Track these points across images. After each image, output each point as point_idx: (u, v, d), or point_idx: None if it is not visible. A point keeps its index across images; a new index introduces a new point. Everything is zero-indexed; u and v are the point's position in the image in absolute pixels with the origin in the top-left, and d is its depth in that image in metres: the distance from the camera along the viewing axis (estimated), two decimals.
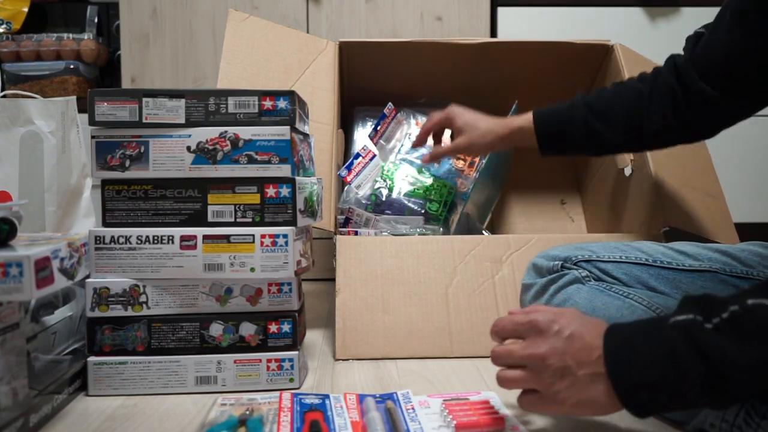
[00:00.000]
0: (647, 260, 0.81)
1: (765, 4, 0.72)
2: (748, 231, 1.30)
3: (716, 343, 0.49)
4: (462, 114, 1.01)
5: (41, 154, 1.09)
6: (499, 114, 1.00)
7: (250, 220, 0.78)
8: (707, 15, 0.88)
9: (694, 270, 0.79)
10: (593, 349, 0.55)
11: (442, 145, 1.06)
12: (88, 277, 0.76)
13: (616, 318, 0.72)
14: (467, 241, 1.00)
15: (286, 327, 0.78)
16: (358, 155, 1.13)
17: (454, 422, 0.64)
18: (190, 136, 0.77)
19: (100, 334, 0.77)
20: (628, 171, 1.21)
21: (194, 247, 0.76)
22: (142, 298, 0.77)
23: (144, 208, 0.78)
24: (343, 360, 0.91)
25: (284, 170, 0.77)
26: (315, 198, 0.85)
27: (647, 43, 1.62)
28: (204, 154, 0.77)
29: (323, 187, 0.98)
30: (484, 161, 1.15)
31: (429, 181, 1.17)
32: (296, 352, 0.78)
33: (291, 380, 0.78)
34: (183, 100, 0.77)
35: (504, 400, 0.72)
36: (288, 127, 0.77)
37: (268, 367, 0.78)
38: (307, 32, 1.59)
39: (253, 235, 0.76)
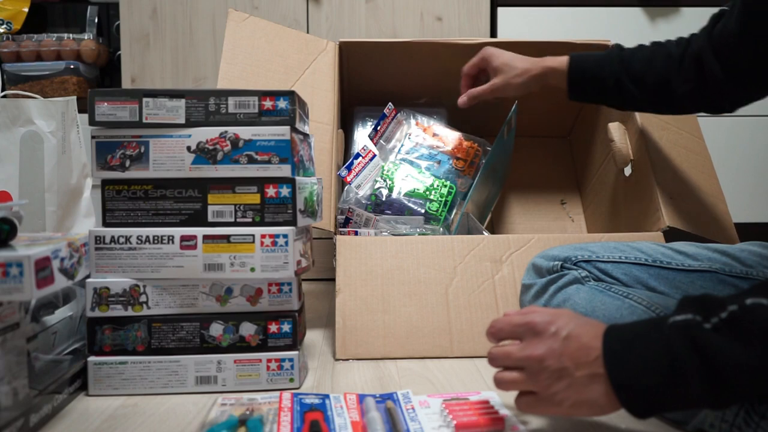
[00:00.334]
0: (647, 260, 0.81)
1: None
2: (748, 231, 1.31)
3: (715, 343, 0.49)
4: (499, 55, 1.05)
5: (41, 154, 1.10)
6: (499, 113, 1.00)
7: (250, 220, 0.78)
8: (707, 15, 0.88)
9: (694, 270, 0.80)
10: (591, 350, 0.55)
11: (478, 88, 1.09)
12: (88, 277, 0.76)
13: (616, 318, 0.72)
14: (467, 241, 1.00)
15: (286, 327, 0.78)
16: (358, 155, 1.13)
17: (454, 422, 0.64)
18: (190, 136, 0.77)
19: (101, 334, 0.77)
20: (628, 171, 1.21)
21: (194, 247, 0.76)
22: (142, 298, 0.77)
23: (144, 208, 0.78)
24: (343, 360, 0.91)
25: (284, 170, 0.77)
26: (315, 198, 0.85)
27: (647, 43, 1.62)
28: (204, 154, 0.77)
29: (323, 187, 0.98)
30: (483, 161, 1.15)
31: (429, 180, 1.17)
32: (296, 352, 0.78)
33: (291, 380, 0.78)
34: (183, 100, 0.77)
35: (504, 400, 0.72)
36: (288, 127, 0.77)
37: (268, 367, 0.78)
38: (307, 32, 1.59)
39: (253, 235, 0.76)
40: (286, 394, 0.73)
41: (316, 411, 0.68)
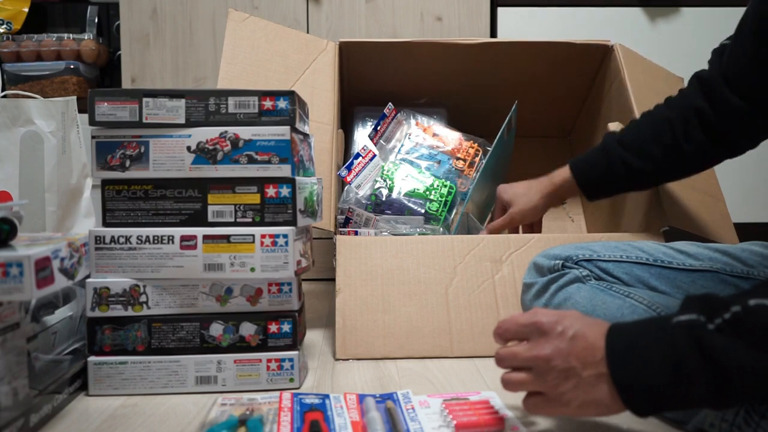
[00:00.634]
0: (648, 260, 0.81)
1: None
2: (748, 231, 1.31)
3: (720, 344, 0.49)
4: (509, 188, 1.07)
5: (41, 154, 1.10)
6: (499, 113, 1.00)
7: (250, 220, 0.78)
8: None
9: (695, 270, 0.80)
10: (597, 350, 0.55)
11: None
12: (88, 277, 0.76)
13: (617, 317, 0.72)
14: (467, 241, 1.00)
15: (286, 327, 0.78)
16: (358, 155, 1.13)
17: (454, 422, 0.64)
18: (190, 136, 0.77)
19: (101, 334, 0.77)
20: None
21: (194, 247, 0.76)
22: (142, 298, 0.77)
23: (144, 208, 0.78)
24: (343, 360, 0.91)
25: (284, 170, 0.77)
26: (315, 198, 0.85)
27: (647, 43, 1.62)
28: (204, 154, 0.77)
29: (323, 187, 0.98)
30: (483, 161, 1.15)
31: (429, 180, 1.17)
32: (296, 352, 0.78)
33: (291, 380, 0.78)
34: (183, 100, 0.77)
35: (504, 400, 0.72)
36: (288, 127, 0.77)
37: (268, 367, 0.78)
38: (307, 32, 1.59)
39: (254, 235, 0.76)
40: (286, 394, 0.73)
41: (316, 411, 0.68)
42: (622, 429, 0.66)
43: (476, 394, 0.74)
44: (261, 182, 0.77)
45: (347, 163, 1.12)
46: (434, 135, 1.25)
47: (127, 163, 0.77)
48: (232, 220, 0.78)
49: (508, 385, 0.59)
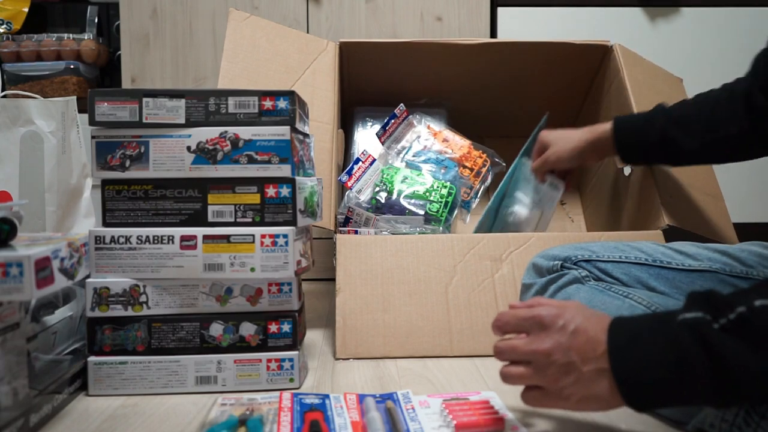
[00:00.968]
0: (647, 260, 0.81)
1: None
2: (748, 231, 1.31)
3: (725, 343, 0.49)
4: (549, 132, 1.09)
5: (41, 154, 1.10)
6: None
7: (250, 220, 0.78)
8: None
9: (694, 270, 0.80)
10: (598, 344, 0.54)
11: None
12: (88, 277, 0.76)
13: None
14: (467, 240, 1.00)
15: (286, 327, 0.78)
16: (358, 160, 1.13)
17: (454, 422, 0.64)
18: (190, 136, 0.77)
19: (101, 334, 0.77)
20: (627, 171, 1.21)
21: (194, 247, 0.76)
22: (142, 298, 0.77)
23: (144, 208, 0.78)
24: (343, 359, 0.91)
25: (284, 170, 0.77)
26: (315, 198, 0.85)
27: (647, 43, 1.63)
28: (204, 154, 0.77)
29: (323, 187, 0.98)
30: (490, 171, 1.19)
31: (429, 181, 1.17)
32: (296, 352, 0.78)
33: (291, 380, 0.78)
34: (183, 100, 0.77)
35: (504, 400, 0.72)
36: (288, 127, 0.77)
37: (268, 367, 0.78)
38: (307, 32, 1.59)
39: (253, 235, 0.76)
40: (286, 394, 0.73)
41: (316, 411, 0.68)
42: (622, 429, 0.66)
43: (476, 394, 0.74)
44: (261, 182, 0.77)
45: (347, 169, 1.12)
46: (444, 140, 1.25)
47: (127, 163, 0.77)
48: (232, 220, 0.78)
49: (507, 378, 0.59)
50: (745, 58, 0.85)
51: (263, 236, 0.76)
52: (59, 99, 1.11)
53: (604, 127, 1.00)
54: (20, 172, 1.09)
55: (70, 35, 1.70)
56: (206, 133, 0.77)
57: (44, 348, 0.75)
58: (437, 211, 1.13)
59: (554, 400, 0.57)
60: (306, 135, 0.87)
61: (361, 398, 0.72)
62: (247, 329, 0.78)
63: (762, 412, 0.56)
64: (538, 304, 0.59)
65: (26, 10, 1.72)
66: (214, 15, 1.61)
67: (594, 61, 1.32)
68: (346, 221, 1.12)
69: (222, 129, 0.77)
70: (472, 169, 1.23)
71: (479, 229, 1.12)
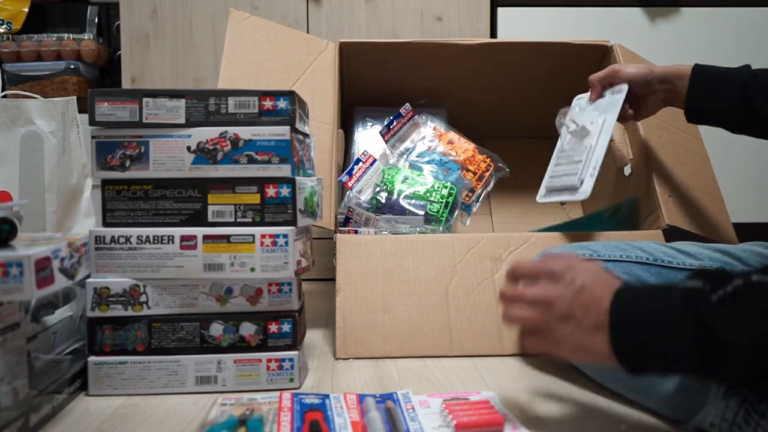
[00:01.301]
0: (648, 259, 0.81)
1: None
2: (748, 231, 1.30)
3: (716, 314, 0.50)
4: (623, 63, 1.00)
5: (42, 154, 1.10)
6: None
7: (250, 220, 0.78)
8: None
9: (695, 269, 0.80)
10: (601, 303, 0.56)
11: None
12: (88, 277, 0.76)
13: None
14: (467, 240, 1.00)
15: (286, 327, 0.78)
16: (358, 161, 1.13)
17: (454, 422, 0.64)
18: (190, 136, 0.77)
19: (101, 334, 0.77)
20: (627, 171, 1.21)
21: (194, 247, 0.76)
22: (143, 298, 0.77)
23: (144, 208, 0.78)
24: (343, 359, 0.91)
25: (284, 170, 0.77)
26: (315, 198, 0.85)
27: (647, 43, 1.63)
28: (204, 154, 0.77)
29: (323, 187, 0.98)
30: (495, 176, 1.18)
31: (430, 182, 1.17)
32: (296, 352, 0.78)
33: (291, 380, 0.78)
34: (183, 100, 0.77)
35: (504, 400, 0.72)
36: (288, 127, 0.77)
37: (268, 367, 0.78)
38: (307, 32, 1.59)
39: (253, 235, 0.76)
40: (286, 394, 0.73)
41: (316, 411, 0.68)
42: (622, 429, 0.66)
43: (476, 394, 0.74)
44: (261, 182, 0.77)
45: (348, 169, 1.12)
46: (449, 143, 1.25)
47: (127, 163, 0.77)
48: (232, 220, 0.78)
49: (508, 317, 0.61)
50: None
51: (263, 236, 0.76)
52: (59, 99, 1.11)
53: (682, 66, 0.93)
54: (20, 172, 1.09)
55: (70, 35, 1.70)
56: (206, 133, 0.77)
57: (44, 348, 0.75)
58: (437, 212, 1.13)
59: (549, 344, 0.59)
60: (306, 135, 0.87)
61: (361, 398, 0.72)
62: (247, 329, 0.78)
63: (762, 411, 0.56)
64: (553, 258, 0.62)
65: (26, 10, 1.72)
66: (214, 15, 1.61)
67: (594, 61, 1.32)
68: (346, 221, 1.11)
69: (222, 129, 0.77)
70: (475, 173, 1.23)
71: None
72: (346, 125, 1.35)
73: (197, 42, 1.62)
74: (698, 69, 0.92)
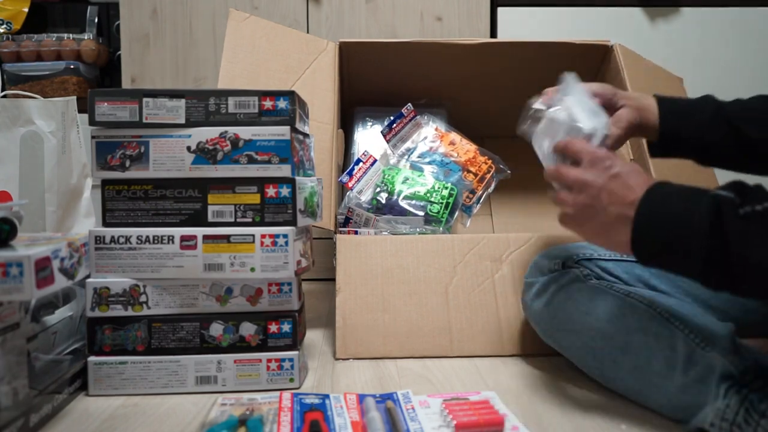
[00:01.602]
0: None
1: None
2: None
3: (738, 228, 0.51)
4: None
5: (41, 154, 1.10)
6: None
7: (250, 220, 0.78)
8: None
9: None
10: (631, 192, 0.59)
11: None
12: (88, 277, 0.76)
13: (617, 317, 0.72)
14: (467, 240, 1.00)
15: (286, 327, 0.78)
16: (359, 161, 1.13)
17: (454, 422, 0.64)
18: (190, 136, 0.77)
19: (101, 334, 0.77)
20: None
21: (194, 247, 0.76)
22: (142, 298, 0.77)
23: (144, 208, 0.78)
24: (343, 359, 0.91)
25: (284, 170, 0.77)
26: (315, 198, 0.85)
27: (647, 43, 1.62)
28: (204, 154, 0.77)
29: (323, 187, 0.98)
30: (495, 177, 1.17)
31: (430, 182, 1.17)
32: (296, 352, 0.78)
33: (291, 380, 0.78)
34: (183, 100, 0.77)
35: (504, 400, 0.72)
36: (288, 127, 0.77)
37: (268, 367, 0.78)
38: (307, 32, 1.59)
39: (253, 235, 0.76)
40: (286, 394, 0.73)
41: (316, 411, 0.68)
42: (622, 429, 0.66)
43: (476, 394, 0.74)
44: (261, 182, 0.77)
45: (348, 169, 1.12)
46: (450, 143, 1.25)
47: (127, 163, 0.77)
48: (232, 220, 0.78)
49: (556, 201, 0.68)
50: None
51: (263, 236, 0.76)
52: (59, 99, 1.11)
53: (652, 99, 0.84)
54: (20, 172, 1.09)
55: (70, 35, 1.70)
56: (206, 133, 0.77)
57: (44, 348, 0.75)
58: (438, 212, 1.13)
59: (574, 225, 0.65)
60: (306, 135, 0.87)
61: (361, 398, 0.72)
62: (247, 329, 0.78)
63: (762, 411, 0.56)
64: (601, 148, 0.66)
65: (26, 10, 1.72)
66: (214, 15, 1.61)
67: (594, 61, 1.32)
68: (346, 221, 1.11)
69: (222, 129, 0.77)
70: (476, 174, 1.23)
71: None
72: (346, 125, 1.35)
73: (197, 42, 1.62)
74: (662, 99, 0.84)
